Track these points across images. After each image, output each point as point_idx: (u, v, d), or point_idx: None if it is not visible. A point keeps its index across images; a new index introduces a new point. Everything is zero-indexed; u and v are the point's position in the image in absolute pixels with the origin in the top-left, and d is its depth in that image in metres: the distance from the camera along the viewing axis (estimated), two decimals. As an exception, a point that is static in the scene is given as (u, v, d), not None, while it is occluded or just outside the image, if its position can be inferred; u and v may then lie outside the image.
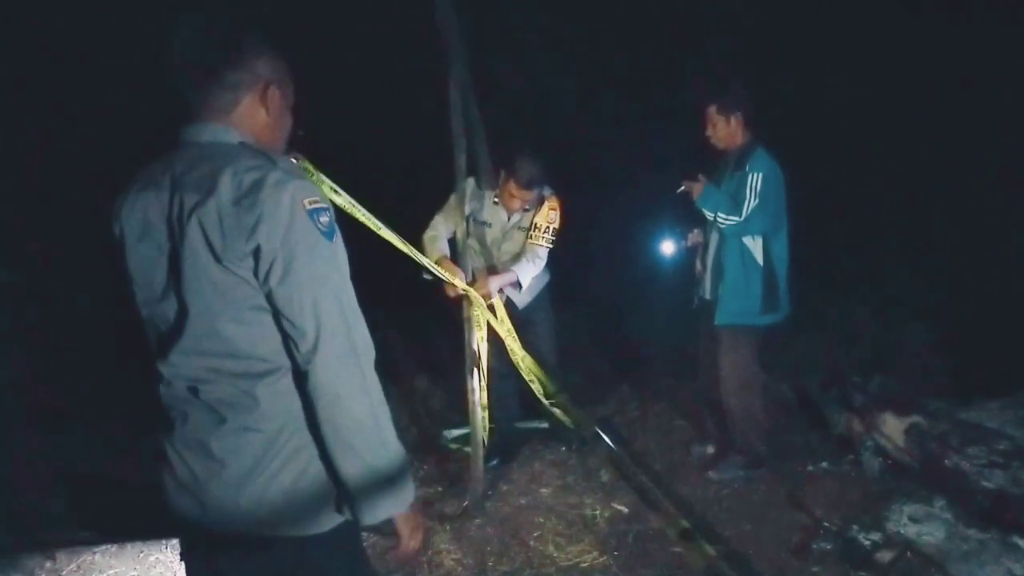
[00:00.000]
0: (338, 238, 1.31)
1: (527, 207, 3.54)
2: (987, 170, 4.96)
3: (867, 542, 2.92)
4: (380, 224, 2.65)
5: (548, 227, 3.55)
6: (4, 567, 2.86)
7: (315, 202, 1.27)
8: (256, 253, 1.23)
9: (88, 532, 3.20)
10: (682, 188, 3.51)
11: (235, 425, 1.31)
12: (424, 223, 3.51)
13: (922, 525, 2.97)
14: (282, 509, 1.33)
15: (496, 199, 3.55)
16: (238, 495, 1.32)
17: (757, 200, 3.29)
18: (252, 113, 1.39)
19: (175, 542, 3.10)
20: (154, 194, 1.32)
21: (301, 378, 1.29)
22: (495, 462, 3.75)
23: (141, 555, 3.05)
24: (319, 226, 1.26)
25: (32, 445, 3.25)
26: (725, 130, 3.39)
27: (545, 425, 4.11)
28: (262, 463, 1.32)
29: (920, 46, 5.20)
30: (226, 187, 1.23)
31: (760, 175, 3.30)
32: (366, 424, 1.31)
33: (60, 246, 4.22)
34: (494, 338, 3.39)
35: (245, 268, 1.24)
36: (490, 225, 3.60)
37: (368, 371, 1.32)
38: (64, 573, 2.89)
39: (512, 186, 3.40)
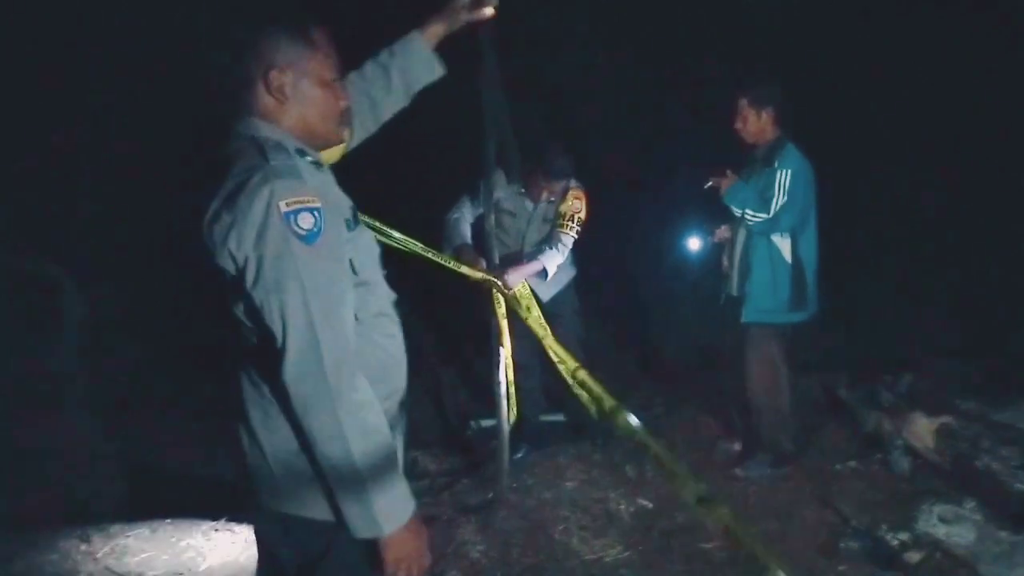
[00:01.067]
0: (324, 240, 1.26)
1: (552, 199, 3.59)
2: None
3: (895, 542, 2.89)
4: (411, 241, 2.73)
5: (573, 216, 3.58)
6: (42, 549, 2.93)
7: (296, 203, 1.24)
8: (232, 256, 1.24)
9: (122, 516, 3.27)
10: (710, 184, 3.49)
11: (268, 406, 1.34)
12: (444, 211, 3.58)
13: (952, 526, 2.93)
14: (310, 492, 1.35)
15: (522, 189, 3.60)
16: (272, 473, 1.36)
17: (786, 197, 3.27)
18: (266, 102, 1.37)
19: (205, 527, 3.19)
20: (207, 186, 1.34)
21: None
22: (520, 454, 3.77)
23: (173, 540, 3.12)
24: (296, 229, 1.23)
25: (70, 431, 3.34)
26: (756, 124, 3.36)
27: (563, 418, 4.12)
28: (290, 444, 1.34)
29: (949, 37, 5.12)
30: (224, 189, 1.26)
31: (789, 172, 3.27)
32: (334, 438, 1.26)
33: (112, 240, 4.32)
34: (520, 331, 3.39)
35: (228, 269, 1.26)
36: (514, 215, 3.65)
37: (339, 383, 1.26)
38: (99, 556, 2.96)
39: (540, 177, 3.45)
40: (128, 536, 3.14)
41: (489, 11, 1.70)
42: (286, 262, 1.23)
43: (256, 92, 1.36)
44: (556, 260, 3.56)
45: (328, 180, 1.43)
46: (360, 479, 1.29)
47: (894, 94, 5.49)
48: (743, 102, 3.36)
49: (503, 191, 3.58)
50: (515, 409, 3.39)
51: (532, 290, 3.65)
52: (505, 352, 3.21)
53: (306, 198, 1.25)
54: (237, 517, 3.22)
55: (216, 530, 3.19)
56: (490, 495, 3.41)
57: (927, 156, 5.37)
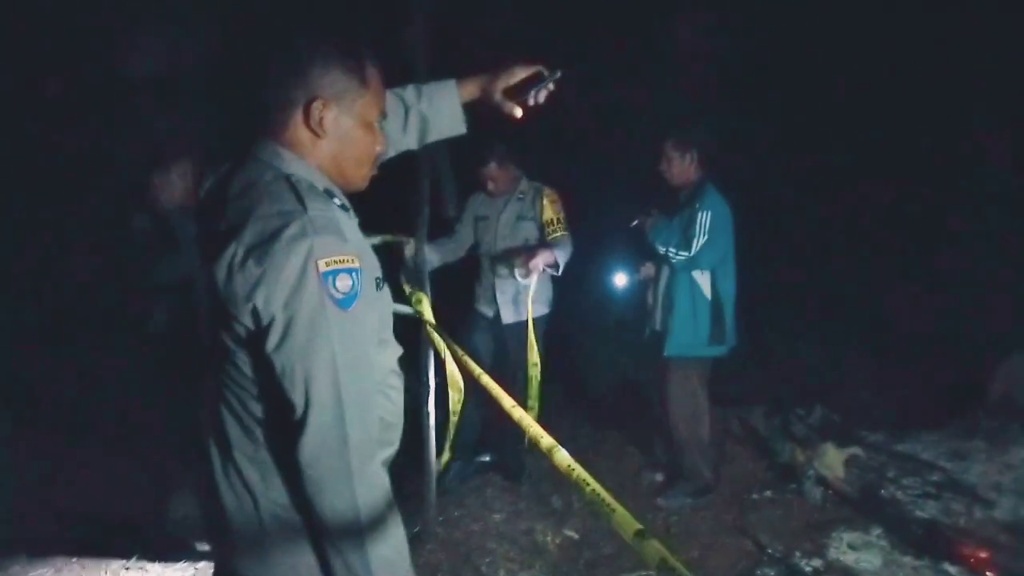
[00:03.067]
0: (361, 305, 1.15)
1: (521, 195, 3.81)
2: (930, 211, 5.22)
3: (808, 569, 3.01)
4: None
5: (559, 218, 3.79)
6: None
7: (335, 262, 1.12)
8: (254, 313, 1.12)
9: (24, 556, 3.09)
10: (635, 222, 3.61)
11: (265, 459, 1.22)
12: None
13: (860, 552, 3.08)
14: (301, 555, 1.23)
15: (482, 193, 3.86)
16: (263, 530, 1.23)
17: (706, 236, 3.41)
18: (299, 133, 1.25)
19: (115, 566, 3.05)
20: (211, 207, 1.24)
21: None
22: (452, 472, 3.82)
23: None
24: (332, 291, 1.11)
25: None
26: (680, 166, 3.50)
27: (488, 458, 4.13)
28: (284, 499, 1.23)
29: (865, 77, 5.46)
30: (248, 232, 1.12)
31: (709, 213, 3.41)
32: (348, 526, 1.16)
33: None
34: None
35: (246, 323, 1.14)
36: (487, 218, 3.84)
37: (360, 464, 1.16)
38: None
39: (494, 168, 3.72)
40: (49, 576, 2.98)
41: (518, 112, 1.63)
42: (319, 328, 1.11)
43: (292, 120, 1.24)
44: (565, 257, 3.71)
45: (357, 229, 1.29)
46: (368, 571, 1.18)
47: (808, 133, 5.79)
48: (668, 145, 3.51)
49: (475, 204, 3.89)
50: (449, 450, 3.38)
51: (496, 311, 3.80)
52: (451, 368, 3.19)
53: (346, 257, 1.14)
54: (148, 555, 3.09)
55: (127, 568, 3.05)
56: (416, 528, 3.37)
57: (841, 194, 5.67)
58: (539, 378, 3.63)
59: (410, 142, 1.68)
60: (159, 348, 2.76)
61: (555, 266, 3.66)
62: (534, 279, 3.62)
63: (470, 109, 1.71)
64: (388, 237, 3.09)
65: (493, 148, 3.73)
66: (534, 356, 3.61)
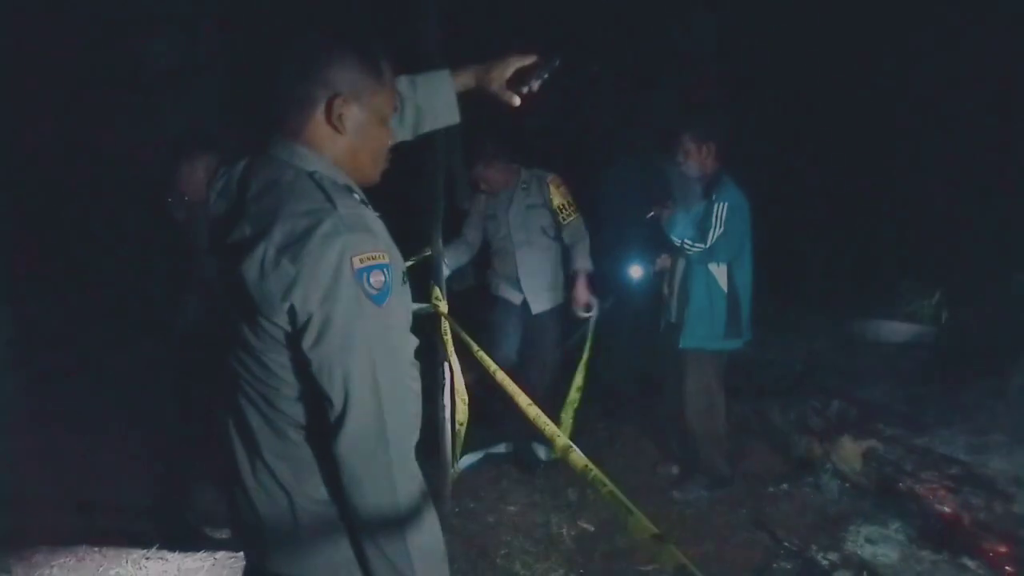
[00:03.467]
0: (393, 300, 1.16)
1: (525, 185, 3.82)
2: (941, 206, 5.17)
3: (825, 562, 3.00)
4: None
5: (568, 202, 3.83)
6: (-41, 581, 2.79)
7: (368, 259, 1.13)
8: (291, 312, 1.12)
9: (47, 545, 3.14)
10: (652, 214, 3.60)
11: (297, 456, 1.22)
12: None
13: (878, 546, 3.06)
14: (336, 550, 1.23)
15: (482, 193, 3.88)
16: (297, 525, 1.24)
17: (722, 228, 3.39)
18: (323, 132, 1.24)
19: (136, 555, 3.08)
20: (227, 208, 1.25)
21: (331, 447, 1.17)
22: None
23: (101, 569, 3.02)
24: (367, 288, 1.13)
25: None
26: (697, 158, 3.48)
27: (502, 449, 4.14)
28: (319, 493, 1.23)
29: (865, 77, 5.42)
30: (278, 231, 1.12)
31: (726, 204, 3.40)
32: (388, 518, 1.17)
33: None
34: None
35: (281, 323, 1.14)
36: (495, 216, 3.86)
37: (399, 458, 1.18)
38: (21, 587, 2.84)
39: (481, 169, 3.73)
40: (53, 566, 3.01)
41: (516, 101, 1.64)
42: (356, 325, 1.13)
43: (312, 117, 1.23)
44: (585, 250, 3.78)
45: (382, 224, 1.27)
46: (410, 565, 1.19)
47: (824, 126, 5.75)
48: (685, 137, 3.49)
49: (480, 204, 3.90)
50: (458, 452, 3.39)
51: (524, 299, 3.84)
52: (457, 379, 3.21)
53: (377, 254, 1.15)
54: (168, 545, 3.13)
55: (147, 559, 3.09)
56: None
57: (859, 193, 5.64)
58: (576, 405, 3.71)
59: (405, 133, 1.67)
60: (185, 346, 2.80)
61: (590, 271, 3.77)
62: (595, 311, 3.79)
63: (466, 98, 1.72)
64: (421, 256, 3.15)
65: (480, 149, 3.75)
66: (579, 379, 3.64)
